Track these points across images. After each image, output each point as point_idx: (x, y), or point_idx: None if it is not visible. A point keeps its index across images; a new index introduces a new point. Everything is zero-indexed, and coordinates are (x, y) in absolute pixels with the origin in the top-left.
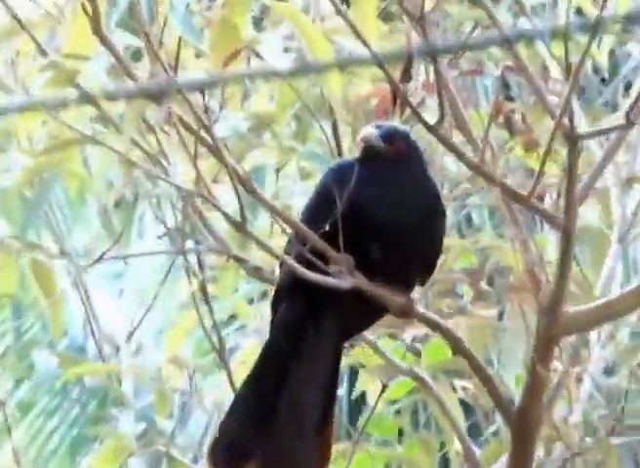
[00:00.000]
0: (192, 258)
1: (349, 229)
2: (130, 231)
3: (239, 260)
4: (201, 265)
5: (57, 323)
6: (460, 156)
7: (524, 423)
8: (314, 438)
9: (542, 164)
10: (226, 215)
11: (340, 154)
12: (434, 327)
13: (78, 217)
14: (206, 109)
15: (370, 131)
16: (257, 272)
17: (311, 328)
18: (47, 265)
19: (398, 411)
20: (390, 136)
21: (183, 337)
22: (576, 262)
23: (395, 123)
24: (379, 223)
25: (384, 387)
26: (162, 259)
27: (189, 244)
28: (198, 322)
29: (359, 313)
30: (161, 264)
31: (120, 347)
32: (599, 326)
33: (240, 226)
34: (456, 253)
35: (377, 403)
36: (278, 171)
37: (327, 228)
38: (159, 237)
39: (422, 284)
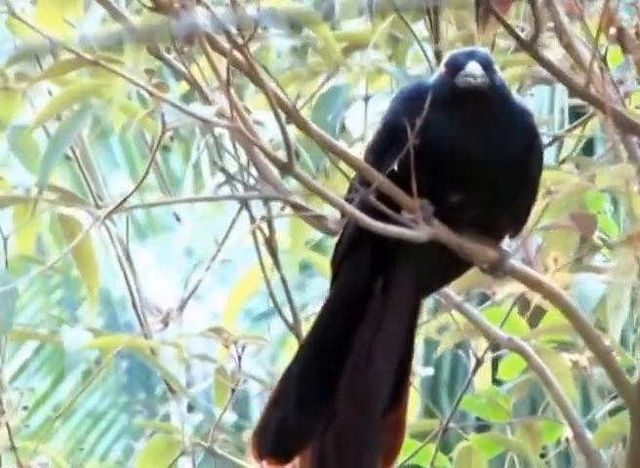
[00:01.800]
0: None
1: (424, 169)
2: (184, 178)
3: (298, 208)
4: (270, 221)
5: (92, 293)
6: (561, 78)
7: None
8: (382, 422)
9: None
10: (268, 154)
11: None
12: (534, 285)
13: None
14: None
15: (476, 67)
16: (319, 222)
17: (379, 286)
18: (77, 221)
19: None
20: (489, 69)
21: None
22: None
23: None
24: (460, 160)
25: (479, 362)
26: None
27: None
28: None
29: (438, 268)
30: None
31: (169, 321)
32: None
33: (286, 167)
34: (566, 193)
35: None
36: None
37: (396, 167)
38: (218, 186)
39: (513, 236)
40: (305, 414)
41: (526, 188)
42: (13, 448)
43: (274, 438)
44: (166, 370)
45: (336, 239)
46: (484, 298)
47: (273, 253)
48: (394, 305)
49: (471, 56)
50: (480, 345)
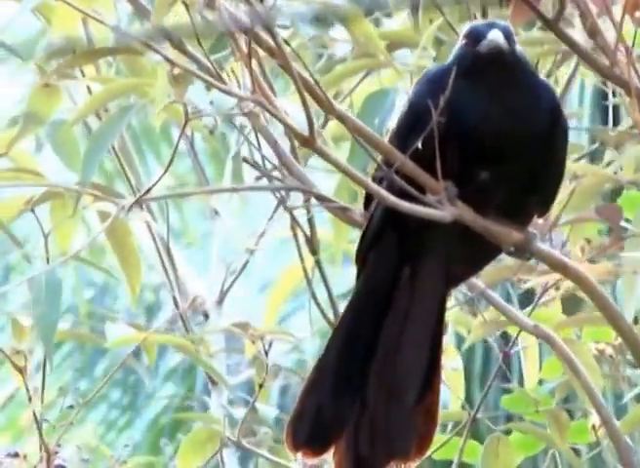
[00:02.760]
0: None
1: (450, 147)
2: (222, 173)
3: (323, 199)
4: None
5: (133, 288)
6: (585, 58)
7: None
8: (414, 410)
9: None
10: (291, 128)
11: None
12: (561, 269)
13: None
14: None
15: (499, 34)
16: (344, 213)
17: (407, 274)
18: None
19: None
20: (510, 39)
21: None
22: None
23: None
24: (486, 133)
25: (506, 355)
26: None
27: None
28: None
29: (464, 254)
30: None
31: (209, 314)
32: None
33: (308, 142)
34: (589, 184)
35: (496, 374)
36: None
37: (420, 146)
38: (257, 178)
39: (540, 217)
40: (340, 404)
41: (553, 166)
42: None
43: (309, 428)
44: (207, 362)
45: (360, 233)
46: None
47: (314, 251)
48: (421, 294)
49: (492, 25)
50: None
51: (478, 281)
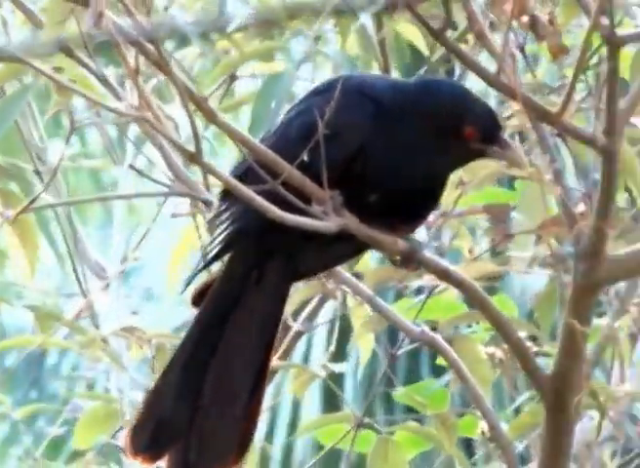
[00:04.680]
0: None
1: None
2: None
3: (209, 206)
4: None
5: (32, 267)
6: (470, 66)
7: (559, 391)
8: (240, 416)
9: (576, 73)
10: (176, 144)
11: (386, 67)
12: (444, 276)
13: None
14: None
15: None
16: None
17: (255, 277)
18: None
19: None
20: None
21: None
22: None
23: None
24: (394, 182)
25: (393, 357)
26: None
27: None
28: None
29: (321, 255)
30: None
31: (109, 281)
32: None
33: (193, 157)
34: (478, 182)
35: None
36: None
37: (305, 158)
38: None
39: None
40: (180, 410)
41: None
42: None
43: (149, 435)
44: (109, 352)
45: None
46: None
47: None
48: (265, 296)
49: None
50: None
51: (364, 286)
